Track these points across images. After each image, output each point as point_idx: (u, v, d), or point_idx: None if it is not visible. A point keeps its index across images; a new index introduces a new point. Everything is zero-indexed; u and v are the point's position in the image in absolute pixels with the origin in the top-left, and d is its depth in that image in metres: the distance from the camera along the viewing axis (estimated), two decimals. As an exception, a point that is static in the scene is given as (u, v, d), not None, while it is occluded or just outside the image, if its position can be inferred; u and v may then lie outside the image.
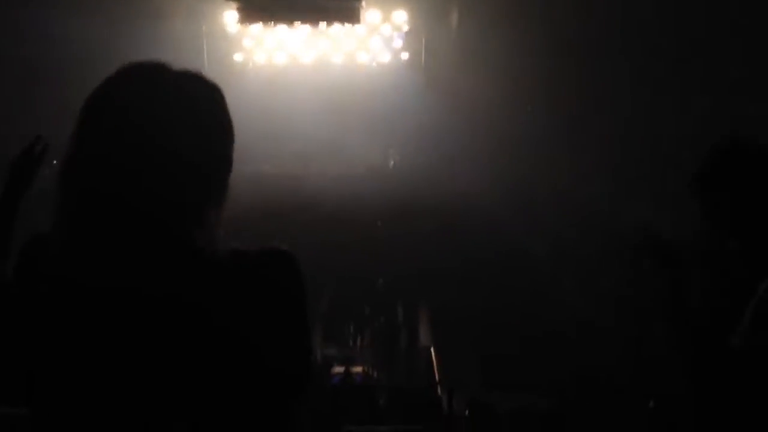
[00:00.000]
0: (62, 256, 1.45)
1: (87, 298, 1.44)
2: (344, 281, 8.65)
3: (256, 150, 9.55)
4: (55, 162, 1.58)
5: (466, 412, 6.15)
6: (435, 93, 10.75)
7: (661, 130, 8.19)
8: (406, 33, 11.64)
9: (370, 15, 11.01)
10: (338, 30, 11.15)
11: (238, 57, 11.58)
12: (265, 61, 11.67)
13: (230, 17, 10.68)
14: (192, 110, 1.52)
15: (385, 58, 11.81)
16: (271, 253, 1.58)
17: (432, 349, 7.89)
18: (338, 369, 6.98)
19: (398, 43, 11.75)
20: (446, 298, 8.28)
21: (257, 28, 11.06)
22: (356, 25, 10.89)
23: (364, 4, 10.14)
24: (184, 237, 1.49)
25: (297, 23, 10.84)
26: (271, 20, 10.69)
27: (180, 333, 1.46)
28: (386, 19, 11.35)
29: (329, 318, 8.04)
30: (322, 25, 10.85)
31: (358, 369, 7.15)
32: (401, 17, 11.36)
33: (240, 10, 10.07)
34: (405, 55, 11.79)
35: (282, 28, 11.04)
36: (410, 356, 7.99)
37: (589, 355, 6.96)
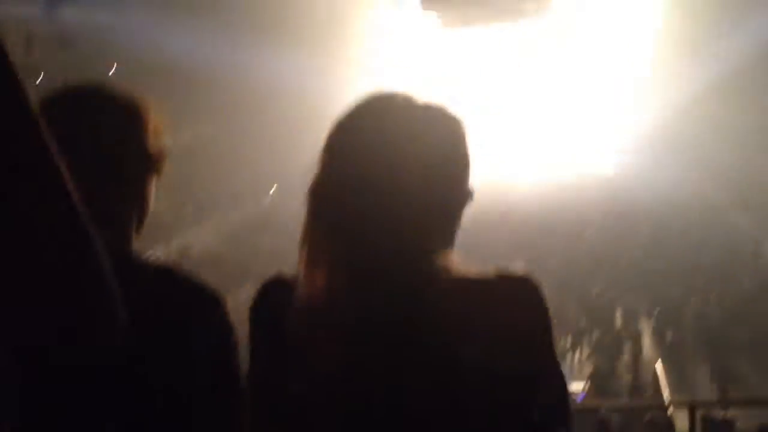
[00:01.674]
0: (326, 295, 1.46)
1: (351, 335, 1.43)
2: (557, 291, 8.36)
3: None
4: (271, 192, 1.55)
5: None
6: (646, 86, 10.23)
7: None
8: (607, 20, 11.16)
9: (562, 5, 10.67)
10: (532, 26, 10.93)
11: (437, 63, 11.63)
12: (464, 67, 11.63)
13: (427, 25, 10.79)
14: (438, 145, 1.49)
15: (589, 48, 11.36)
16: (516, 281, 1.49)
17: (659, 363, 7.39)
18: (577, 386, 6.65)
19: (598, 31, 11.25)
20: (670, 307, 7.74)
21: (457, 34, 11.09)
22: (548, 17, 10.65)
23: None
24: (436, 268, 1.45)
25: (494, 24, 10.76)
26: (469, 24, 10.69)
27: (439, 370, 1.40)
28: (580, 7, 10.94)
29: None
30: (518, 22, 10.68)
31: (578, 386, 6.80)
32: (595, 8, 10.91)
33: (439, 18, 10.22)
34: (628, 48, 11.21)
35: (480, 31, 10.99)
36: (635, 371, 7.52)
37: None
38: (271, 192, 8.16)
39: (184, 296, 1.42)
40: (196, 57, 7.61)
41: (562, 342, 7.84)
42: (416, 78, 10.74)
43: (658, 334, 7.88)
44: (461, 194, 1.46)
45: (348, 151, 1.42)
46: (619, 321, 8.10)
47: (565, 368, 7.14)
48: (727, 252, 8.04)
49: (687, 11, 9.57)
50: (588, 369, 7.46)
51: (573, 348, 7.76)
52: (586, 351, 7.75)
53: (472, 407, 1.31)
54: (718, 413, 6.06)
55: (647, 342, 7.84)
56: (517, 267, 1.55)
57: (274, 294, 1.47)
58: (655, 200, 8.92)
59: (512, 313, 1.38)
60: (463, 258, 1.44)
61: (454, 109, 1.47)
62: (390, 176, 1.37)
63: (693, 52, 9.45)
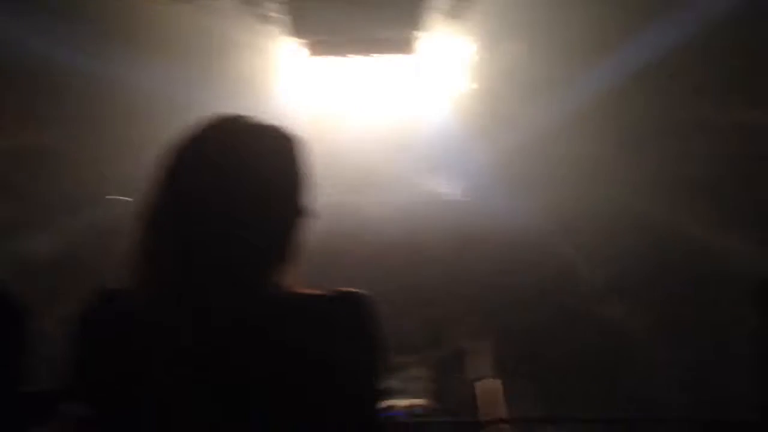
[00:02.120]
0: (151, 297, 1.52)
1: (164, 339, 1.49)
2: (402, 309, 8.62)
3: (317, 180, 9.59)
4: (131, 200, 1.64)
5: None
6: (497, 124, 10.71)
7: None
8: (466, 63, 11.64)
9: (426, 45, 11.07)
10: (395, 61, 11.24)
11: (299, 90, 11.74)
12: (325, 94, 11.81)
13: (292, 52, 10.86)
14: (268, 163, 1.60)
15: (444, 89, 11.83)
16: (349, 297, 1.61)
17: (497, 382, 7.75)
18: (400, 402, 6.87)
19: (457, 73, 11.75)
20: (507, 329, 8.17)
21: (320, 62, 11.22)
22: (412, 56, 10.95)
23: (420, 33, 10.19)
24: (264, 283, 1.56)
25: (355, 55, 10.97)
26: (334, 53, 10.84)
27: (255, 379, 1.50)
28: (445, 50, 11.37)
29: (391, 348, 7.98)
30: (379, 57, 10.95)
31: (419, 402, 7.04)
32: (460, 47, 11.37)
33: (307, 45, 10.27)
34: (464, 86, 11.78)
35: (344, 60, 11.18)
36: (471, 387, 7.86)
37: (649, 387, 6.78)
38: (114, 197, 7.96)
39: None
40: (59, 62, 7.42)
41: (401, 360, 8.08)
42: (278, 100, 10.79)
43: (493, 353, 8.27)
44: (293, 211, 1.62)
45: (179, 171, 1.57)
46: (457, 339, 8.45)
47: (403, 385, 7.42)
48: (555, 275, 8.58)
49: (539, 56, 10.06)
50: (430, 386, 7.74)
51: (410, 366, 8.02)
52: (423, 369, 8.02)
53: (279, 419, 1.46)
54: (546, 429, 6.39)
55: (483, 360, 8.21)
56: (359, 286, 1.68)
57: (100, 306, 1.57)
58: (497, 227, 9.39)
59: (338, 330, 1.56)
60: (310, 277, 1.58)
61: (289, 129, 1.64)
62: (219, 195, 1.53)
63: (549, 90, 9.96)
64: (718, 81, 7.53)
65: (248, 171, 1.55)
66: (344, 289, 1.62)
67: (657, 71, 7.94)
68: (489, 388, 7.65)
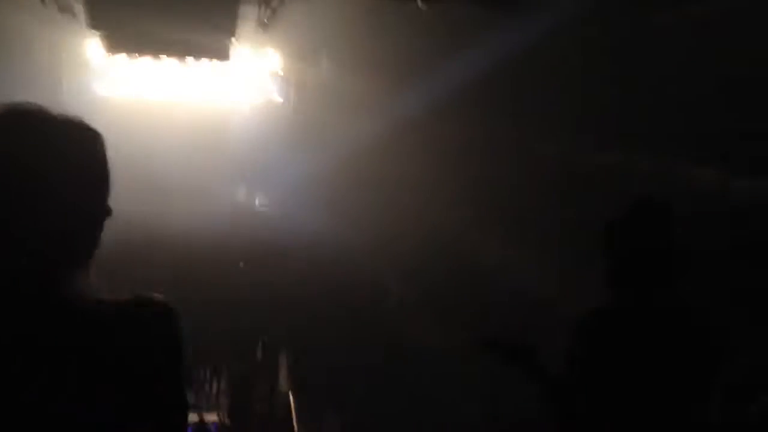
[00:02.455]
0: None
1: None
2: (203, 321, 8.41)
3: (119, 186, 9.20)
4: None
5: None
6: (304, 136, 10.76)
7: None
8: (276, 74, 11.62)
9: (240, 53, 10.93)
10: (207, 67, 10.99)
11: (99, 89, 11.18)
12: (128, 94, 11.32)
13: (93, 47, 10.32)
14: (70, 159, 1.49)
15: (254, 98, 11.75)
16: (147, 304, 1.54)
17: (291, 395, 7.74)
18: (192, 417, 6.68)
19: (268, 83, 11.71)
20: (308, 343, 8.18)
21: (122, 59, 10.72)
22: (225, 63, 10.76)
23: (234, 41, 10.03)
24: (57, 288, 1.45)
25: (163, 56, 10.58)
26: (136, 52, 10.38)
27: (52, 388, 1.41)
28: (257, 58, 11.30)
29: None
30: (190, 60, 10.66)
31: (212, 417, 6.90)
32: (272, 58, 11.35)
33: (104, 39, 9.72)
34: (274, 96, 11.76)
35: (147, 60, 10.75)
36: (269, 403, 7.80)
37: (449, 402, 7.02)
38: None
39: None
40: None
41: (201, 373, 7.90)
42: (76, 96, 10.25)
43: (296, 369, 8.26)
44: (100, 207, 1.51)
45: None
46: (258, 354, 8.37)
47: (204, 399, 7.23)
48: (368, 294, 8.74)
49: (349, 73, 10.21)
50: (224, 400, 7.59)
51: (211, 379, 7.85)
52: (223, 382, 7.88)
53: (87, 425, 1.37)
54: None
55: (283, 374, 8.18)
56: (160, 294, 1.60)
57: None
58: (300, 239, 9.44)
59: (137, 336, 1.47)
60: (110, 284, 1.48)
61: (91, 124, 1.54)
62: (23, 188, 1.41)
63: (352, 113, 10.08)
64: (533, 107, 7.93)
65: (53, 162, 1.45)
66: (143, 294, 1.54)
67: (471, 95, 8.27)
68: (285, 402, 7.64)
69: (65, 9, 8.41)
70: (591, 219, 2.92)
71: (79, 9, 8.53)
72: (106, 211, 1.54)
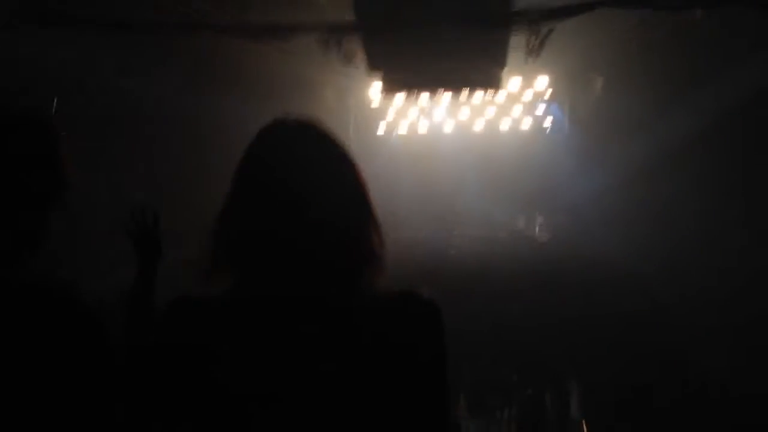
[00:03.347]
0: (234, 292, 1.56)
1: (251, 329, 1.52)
2: (490, 347, 8.52)
3: (402, 215, 9.75)
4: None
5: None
6: (579, 161, 10.60)
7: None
8: (549, 99, 11.60)
9: (511, 82, 11.07)
10: (480, 97, 11.27)
11: (382, 128, 11.91)
12: (408, 130, 11.94)
13: (375, 90, 11.02)
14: (340, 166, 1.62)
15: (528, 124, 11.81)
16: (416, 300, 1.60)
17: (584, 423, 7.56)
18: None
19: (541, 109, 11.73)
20: (597, 369, 7.97)
21: (400, 98, 11.34)
22: (498, 92, 10.94)
23: (506, 69, 10.17)
24: (343, 273, 1.57)
25: (439, 91, 11.00)
26: (414, 89, 10.87)
27: (323, 370, 1.49)
28: (528, 85, 11.37)
29: (473, 387, 7.90)
30: (464, 92, 10.96)
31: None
32: (543, 83, 11.34)
33: (384, 80, 10.32)
34: (548, 122, 11.75)
35: (424, 97, 11.26)
36: (560, 430, 7.69)
37: None
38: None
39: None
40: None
41: (494, 399, 7.96)
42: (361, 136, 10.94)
43: (584, 394, 8.06)
44: (365, 211, 1.63)
45: (261, 177, 1.60)
46: (545, 379, 8.29)
47: (497, 424, 7.29)
48: (653, 322, 8.36)
49: (623, 93, 9.91)
50: (515, 427, 7.59)
51: (503, 405, 7.88)
52: (515, 407, 7.88)
53: (349, 412, 1.46)
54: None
55: (575, 402, 8.02)
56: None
57: (185, 310, 1.59)
58: (582, 268, 9.24)
59: (410, 331, 1.55)
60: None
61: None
62: (304, 198, 1.55)
63: (628, 135, 9.79)
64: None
65: (330, 172, 1.57)
66: (416, 292, 1.60)
67: (755, 111, 7.65)
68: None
69: (349, 59, 9.07)
70: None
71: (361, 57, 9.15)
72: (371, 212, 1.64)
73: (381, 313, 1.55)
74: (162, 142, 7.96)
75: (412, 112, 11.81)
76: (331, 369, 1.48)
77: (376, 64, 9.39)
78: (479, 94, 11.07)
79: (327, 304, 1.53)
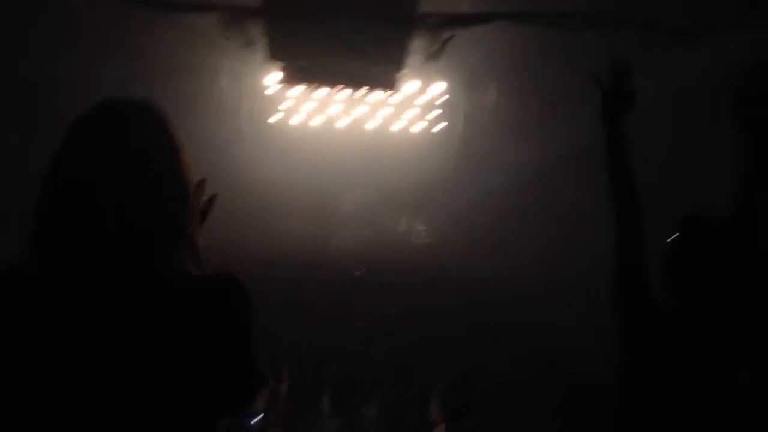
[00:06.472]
0: (37, 275, 1.58)
1: (52, 316, 1.56)
2: (358, 346, 8.56)
3: (286, 207, 9.64)
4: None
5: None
6: (471, 166, 10.75)
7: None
8: (444, 104, 11.72)
9: (408, 85, 11.13)
10: (377, 97, 11.28)
11: (274, 117, 11.72)
12: (300, 122, 11.80)
13: (272, 78, 10.84)
14: (158, 141, 1.67)
15: (420, 128, 11.90)
16: (224, 278, 1.70)
17: (444, 427, 7.70)
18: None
19: (435, 114, 11.83)
20: (464, 374, 8.12)
21: (297, 90, 11.21)
22: (394, 93, 10.99)
23: (403, 72, 10.25)
24: (149, 257, 1.62)
25: (339, 87, 10.97)
26: (314, 83, 10.83)
27: (128, 349, 1.55)
28: (424, 89, 11.45)
29: (336, 387, 7.90)
30: (361, 90, 10.97)
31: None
32: (440, 88, 11.44)
33: (284, 69, 10.21)
34: (441, 127, 11.86)
35: (322, 91, 11.18)
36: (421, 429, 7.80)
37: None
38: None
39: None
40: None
41: (355, 399, 7.99)
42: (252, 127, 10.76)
43: (450, 400, 8.21)
44: (184, 192, 1.64)
45: (67, 155, 1.59)
46: (414, 384, 8.40)
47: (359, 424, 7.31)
48: (529, 332, 8.58)
49: (519, 101, 10.12)
50: (375, 427, 7.65)
51: (364, 405, 7.93)
52: (375, 409, 7.94)
53: (156, 384, 1.48)
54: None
55: (435, 405, 8.15)
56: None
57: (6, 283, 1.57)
58: (462, 273, 9.40)
59: (215, 305, 1.60)
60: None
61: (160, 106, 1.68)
62: (107, 177, 1.54)
63: (522, 142, 9.99)
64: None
65: (137, 151, 1.62)
66: (222, 271, 1.69)
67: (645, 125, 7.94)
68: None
69: (248, 43, 8.90)
70: None
71: (261, 43, 9.01)
72: (187, 185, 1.67)
73: (182, 292, 1.59)
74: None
75: (307, 104, 11.69)
76: (129, 349, 1.54)
77: (277, 53, 9.30)
78: (377, 93, 11.08)
79: (127, 285, 1.58)
